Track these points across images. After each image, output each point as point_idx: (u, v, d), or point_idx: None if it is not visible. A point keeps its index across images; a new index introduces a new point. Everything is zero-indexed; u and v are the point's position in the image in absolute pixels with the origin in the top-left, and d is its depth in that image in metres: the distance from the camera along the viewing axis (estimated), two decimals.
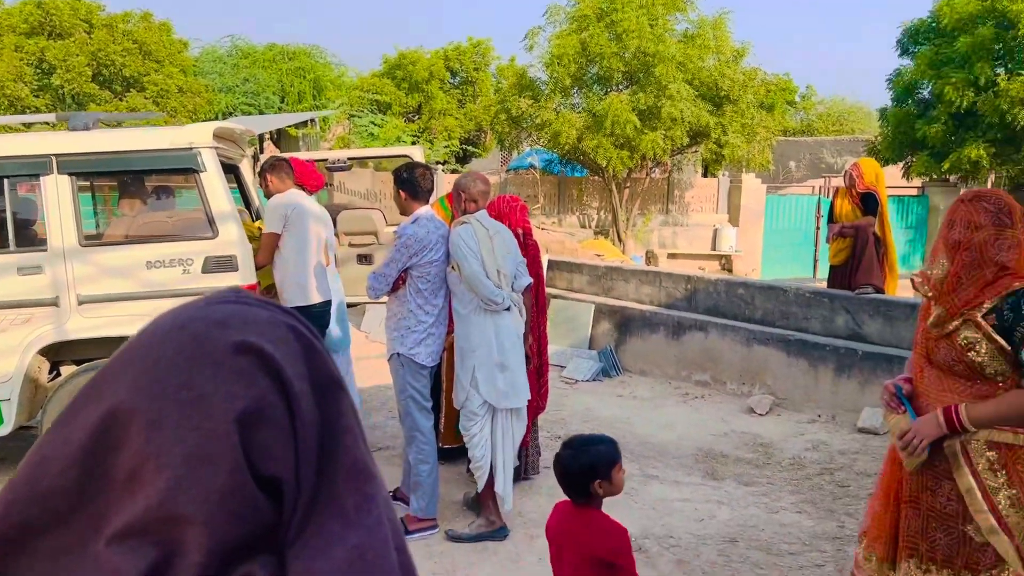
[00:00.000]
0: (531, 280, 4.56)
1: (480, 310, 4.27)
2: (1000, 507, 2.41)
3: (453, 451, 5.29)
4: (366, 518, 0.66)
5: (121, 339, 4.84)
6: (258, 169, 5.33)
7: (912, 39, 16.73)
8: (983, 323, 2.42)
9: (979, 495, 2.42)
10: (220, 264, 4.78)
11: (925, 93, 16.31)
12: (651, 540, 4.30)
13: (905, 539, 2.55)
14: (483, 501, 4.37)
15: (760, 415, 6.65)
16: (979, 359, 2.43)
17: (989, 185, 17.07)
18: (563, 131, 14.32)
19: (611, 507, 4.69)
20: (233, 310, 0.68)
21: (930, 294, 2.56)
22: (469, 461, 4.97)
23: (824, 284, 7.93)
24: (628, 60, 14.33)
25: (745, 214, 17.92)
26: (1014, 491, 2.41)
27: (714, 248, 17.48)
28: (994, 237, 2.44)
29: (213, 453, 0.61)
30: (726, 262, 17.05)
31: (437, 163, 18.79)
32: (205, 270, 4.77)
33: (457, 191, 4.43)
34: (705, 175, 19.30)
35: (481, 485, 4.34)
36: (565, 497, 2.74)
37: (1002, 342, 2.40)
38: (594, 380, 7.80)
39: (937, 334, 2.52)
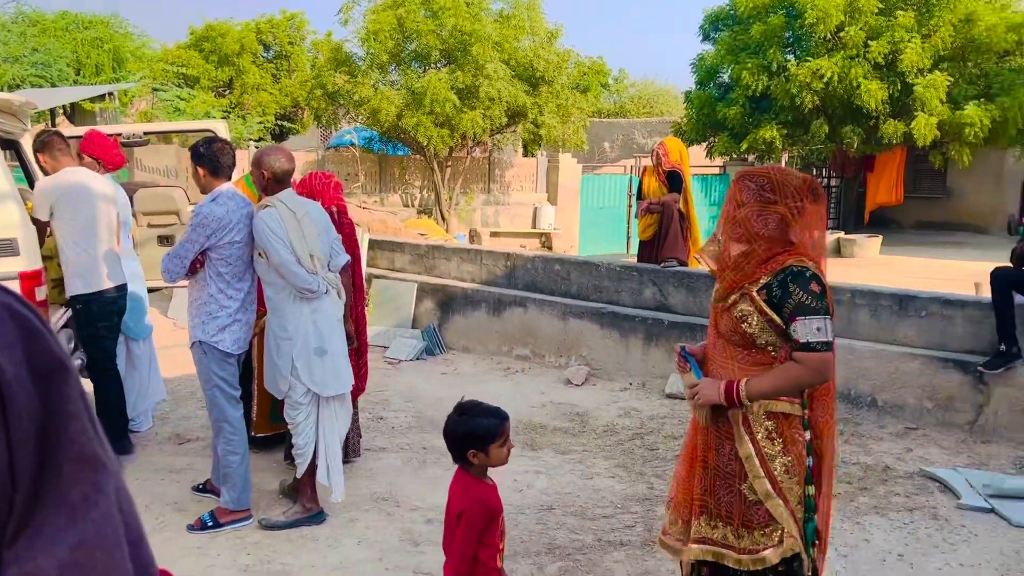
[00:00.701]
0: (348, 258, 4.42)
1: (294, 297, 4.06)
2: (776, 473, 2.58)
3: (267, 439, 5.12)
4: (93, 511, 0.61)
5: None
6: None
7: (713, 25, 17.74)
8: (756, 297, 2.56)
9: (757, 461, 2.58)
10: None
11: (725, 77, 17.35)
12: None
13: (697, 496, 2.70)
14: (301, 487, 4.26)
15: (577, 386, 6.88)
16: (751, 331, 2.58)
17: (783, 163, 18.45)
18: (382, 108, 14.13)
19: (435, 482, 4.72)
20: None
21: (711, 269, 2.72)
22: (286, 449, 4.85)
23: (635, 259, 8.30)
24: (445, 38, 14.31)
25: (562, 193, 18.43)
26: (788, 458, 2.58)
27: (534, 226, 17.87)
28: (756, 213, 2.57)
29: None
30: (546, 239, 17.48)
31: (251, 140, 18.03)
32: None
33: (257, 168, 4.07)
34: (525, 155, 19.66)
35: (301, 471, 4.22)
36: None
37: (772, 315, 2.55)
38: (417, 359, 7.78)
39: (720, 307, 2.67)
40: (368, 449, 5.28)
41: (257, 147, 16.93)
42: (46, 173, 4.72)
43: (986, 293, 5.45)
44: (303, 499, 4.25)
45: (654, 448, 5.39)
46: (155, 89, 17.61)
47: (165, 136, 7.43)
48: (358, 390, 5.03)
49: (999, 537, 4.10)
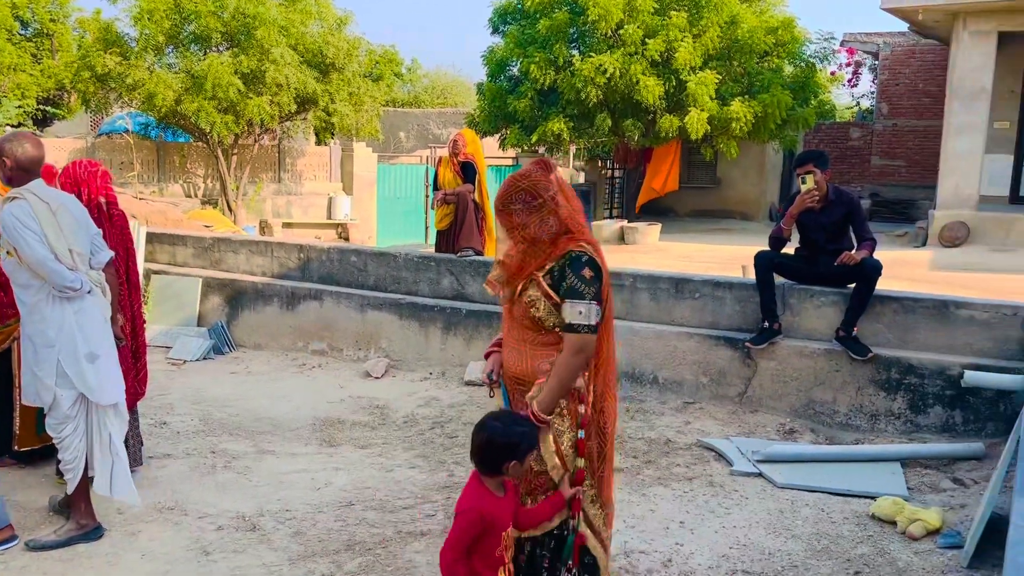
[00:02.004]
0: (112, 253, 4.08)
1: (52, 298, 3.68)
2: (563, 447, 2.79)
3: (34, 453, 4.67)
4: None
5: None
6: None
7: (502, 19, 18.06)
8: (542, 282, 2.73)
9: (551, 438, 2.76)
10: None
11: (515, 70, 17.72)
12: (267, 517, 4.19)
13: None
14: (73, 504, 3.91)
15: (376, 378, 6.80)
16: (539, 314, 2.76)
17: (571, 155, 19.22)
18: (159, 92, 13.22)
19: (225, 487, 4.49)
20: None
21: (492, 292, 2.92)
22: (58, 462, 4.45)
23: (433, 249, 8.32)
24: (227, 20, 13.60)
25: (358, 183, 18.14)
26: (574, 433, 2.78)
27: (330, 217, 17.47)
28: (537, 222, 2.73)
29: None
30: (342, 230, 17.14)
31: (8, 125, 16.29)
32: None
33: (4, 159, 3.67)
34: (319, 143, 19.14)
35: (72, 487, 3.87)
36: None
37: (556, 298, 2.72)
38: (205, 359, 7.39)
39: (512, 299, 2.83)
40: (151, 457, 4.95)
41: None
42: None
43: (752, 275, 5.93)
44: (76, 516, 3.90)
45: (454, 436, 5.44)
46: None
47: None
48: (137, 394, 4.69)
49: (767, 498, 4.50)
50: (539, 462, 2.75)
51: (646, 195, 19.37)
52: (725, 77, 16.07)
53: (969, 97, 14.46)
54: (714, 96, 15.62)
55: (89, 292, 3.78)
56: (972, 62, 14.41)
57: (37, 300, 3.70)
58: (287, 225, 16.51)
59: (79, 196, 4.36)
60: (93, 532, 3.91)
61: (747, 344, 5.77)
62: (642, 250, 15.20)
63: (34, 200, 3.64)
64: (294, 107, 14.59)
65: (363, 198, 18.13)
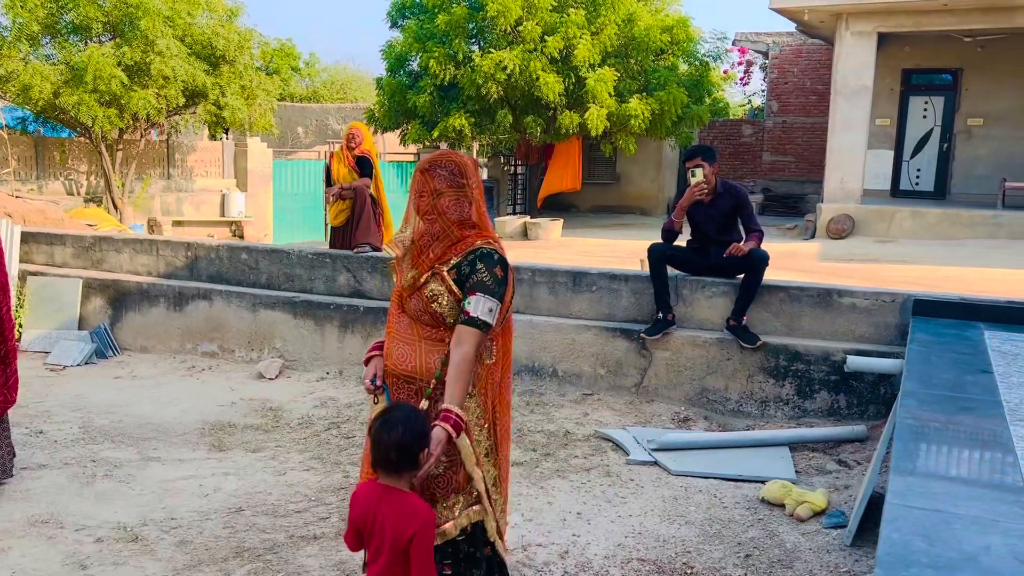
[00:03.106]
0: None
1: None
2: (480, 456, 2.75)
3: None
4: None
5: None
6: None
7: (400, 13, 17.86)
8: (447, 277, 2.65)
9: (471, 452, 2.69)
10: None
11: (414, 65, 17.55)
12: (151, 526, 4.00)
13: None
14: None
15: (270, 379, 6.60)
16: (441, 310, 2.67)
17: (474, 152, 19.18)
18: (35, 84, 12.50)
19: (106, 497, 4.27)
20: None
21: (397, 255, 2.75)
22: None
23: (328, 246, 8.14)
24: (108, 10, 12.98)
25: (253, 179, 17.63)
26: (490, 442, 2.76)
27: (223, 214, 16.91)
28: (454, 200, 2.68)
29: None
30: (237, 228, 16.63)
31: None
32: None
33: None
34: (212, 138, 18.51)
35: None
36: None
37: (460, 294, 2.65)
38: (87, 364, 7.02)
39: (409, 290, 2.73)
40: (25, 468, 4.66)
41: None
42: None
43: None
44: None
45: (351, 436, 5.32)
46: None
47: None
48: (7, 402, 4.41)
49: (661, 486, 4.56)
50: (437, 465, 2.63)
51: (547, 190, 19.52)
52: (623, 74, 16.33)
53: (852, 95, 15.10)
54: (612, 93, 15.84)
55: None
56: (854, 61, 15.06)
57: None
58: (178, 223, 15.91)
59: None
60: None
61: (642, 335, 5.85)
62: (545, 245, 15.30)
63: None
64: (182, 100, 14.04)
65: (258, 194, 17.63)
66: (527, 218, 17.63)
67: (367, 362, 2.90)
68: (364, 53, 62.40)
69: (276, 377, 6.64)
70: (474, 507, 2.72)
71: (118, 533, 3.92)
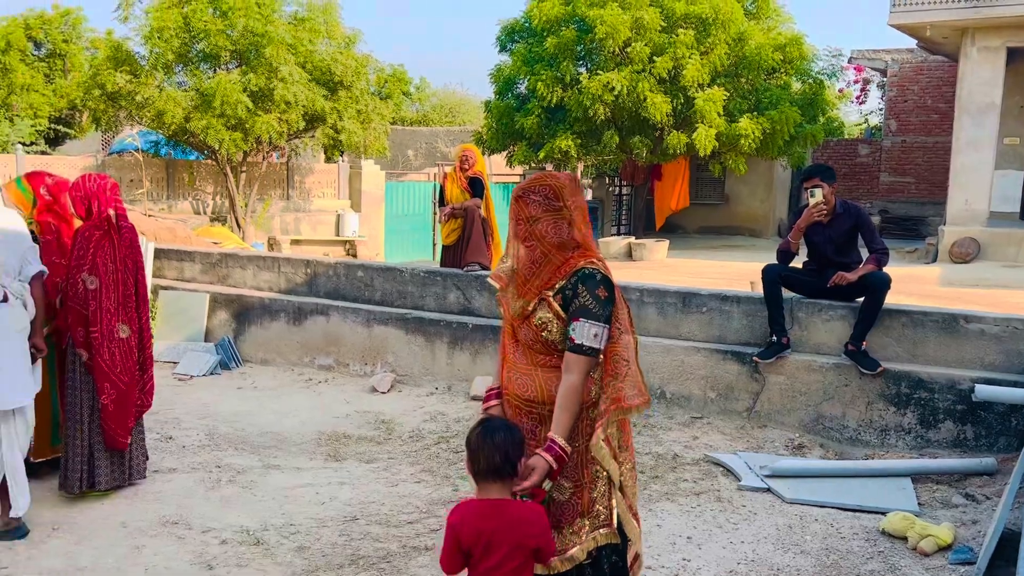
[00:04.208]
0: (40, 268, 4.18)
1: None
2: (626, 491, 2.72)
3: (42, 465, 4.70)
4: None
5: None
6: None
7: (509, 37, 18.15)
8: (553, 303, 2.60)
9: (611, 460, 2.63)
10: None
11: (522, 88, 17.79)
12: (271, 531, 4.17)
13: None
14: None
15: (382, 393, 6.78)
16: (552, 337, 2.62)
17: (579, 172, 19.24)
18: (168, 110, 13.30)
19: (230, 502, 4.48)
20: None
21: (499, 287, 2.76)
22: (62, 475, 4.47)
23: (439, 264, 8.32)
24: (236, 39, 13.70)
25: (366, 200, 18.18)
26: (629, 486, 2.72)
27: (338, 234, 17.49)
28: (552, 223, 2.62)
29: None
30: (351, 247, 17.16)
31: (20, 143, 16.44)
32: None
33: None
34: (328, 161, 19.21)
35: None
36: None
37: (567, 318, 2.59)
38: (212, 374, 7.38)
39: (520, 320, 2.69)
40: (156, 471, 4.93)
41: (25, 151, 15.47)
42: None
43: (760, 291, 5.90)
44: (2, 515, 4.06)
45: (459, 451, 5.40)
46: None
47: None
48: (143, 406, 4.70)
49: (775, 514, 4.45)
50: (558, 490, 2.63)
51: (662, 214, 19.41)
52: (733, 93, 16.09)
53: (978, 113, 14.43)
54: (722, 112, 15.63)
55: (3, 301, 3.91)
56: (981, 77, 14.40)
57: None
58: (295, 242, 16.54)
59: (89, 209, 4.41)
60: (16, 531, 4.02)
61: (755, 358, 5.73)
62: (650, 267, 15.17)
63: None
64: (302, 124, 14.66)
65: (371, 215, 18.17)
66: (632, 239, 17.54)
67: (485, 411, 2.86)
68: (473, 78, 63.59)
69: (388, 391, 6.82)
70: (601, 530, 2.64)
71: (241, 536, 4.10)
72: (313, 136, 15.74)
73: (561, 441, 2.53)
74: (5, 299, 3.94)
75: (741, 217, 20.93)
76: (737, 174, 17.35)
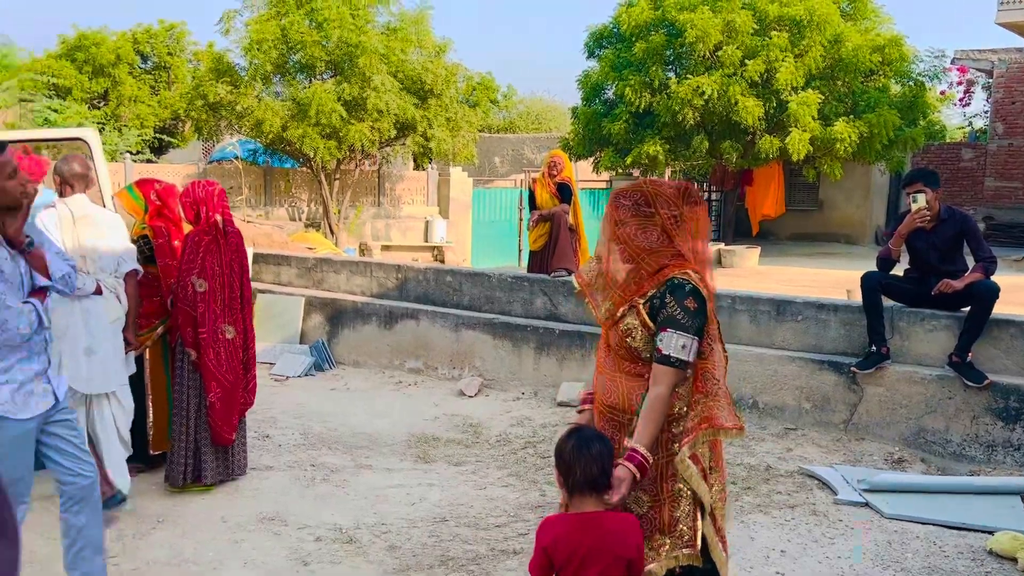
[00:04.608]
0: (134, 266, 4.43)
1: (65, 296, 4.13)
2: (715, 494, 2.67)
3: (158, 458, 4.95)
4: None
5: None
6: None
7: (597, 43, 18.13)
8: (642, 311, 2.58)
9: (699, 479, 2.58)
10: None
11: (609, 93, 17.73)
12: (363, 529, 4.26)
13: None
14: None
15: (470, 397, 6.84)
16: (636, 344, 2.59)
17: (667, 177, 19.05)
18: (266, 119, 13.77)
19: (324, 500, 4.59)
20: None
21: (579, 286, 2.80)
22: (167, 468, 4.68)
23: (526, 270, 8.36)
24: (331, 50, 14.10)
25: (454, 206, 18.42)
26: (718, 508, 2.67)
27: (427, 240, 17.76)
28: (638, 228, 2.60)
29: None
30: (438, 253, 17.40)
31: (128, 153, 17.27)
32: None
33: (55, 175, 4.38)
34: (416, 168, 19.55)
35: None
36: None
37: (653, 328, 2.57)
38: (306, 375, 7.58)
39: (609, 323, 2.69)
40: (254, 468, 5.09)
41: (135, 160, 16.25)
42: None
43: (858, 299, 5.72)
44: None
45: (546, 456, 5.41)
46: (22, 99, 16.68)
47: (35, 145, 7.01)
48: (246, 404, 4.89)
49: (874, 529, 4.30)
50: (636, 503, 2.60)
51: (757, 220, 19.06)
52: (828, 96, 15.68)
53: None
54: (816, 116, 15.24)
55: (98, 294, 4.21)
56: None
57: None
58: (385, 248, 16.88)
59: (197, 214, 4.61)
60: (112, 499, 4.21)
61: (853, 369, 5.56)
62: (741, 274, 14.89)
63: (63, 210, 4.26)
64: (393, 133, 14.96)
65: (458, 221, 18.40)
66: (721, 245, 17.25)
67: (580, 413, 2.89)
68: (559, 84, 63.69)
69: (476, 395, 6.88)
70: (684, 550, 2.58)
71: (335, 534, 4.20)
72: (404, 144, 16.04)
73: (643, 451, 2.50)
74: (99, 291, 4.24)
75: (836, 223, 20.34)
76: (832, 179, 16.89)
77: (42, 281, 3.11)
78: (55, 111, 16.29)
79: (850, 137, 15.12)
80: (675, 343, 2.50)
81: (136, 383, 4.72)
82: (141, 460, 4.86)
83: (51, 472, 3.29)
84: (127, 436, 4.43)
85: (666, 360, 2.52)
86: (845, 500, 4.62)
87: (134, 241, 4.68)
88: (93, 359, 4.19)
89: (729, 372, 5.93)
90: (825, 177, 17.02)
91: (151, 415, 4.97)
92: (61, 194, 4.38)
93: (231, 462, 4.82)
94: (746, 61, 15.30)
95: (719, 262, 16.29)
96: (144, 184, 4.92)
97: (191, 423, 4.60)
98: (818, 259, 16.96)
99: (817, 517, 4.44)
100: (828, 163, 16.03)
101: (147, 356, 4.89)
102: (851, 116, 15.47)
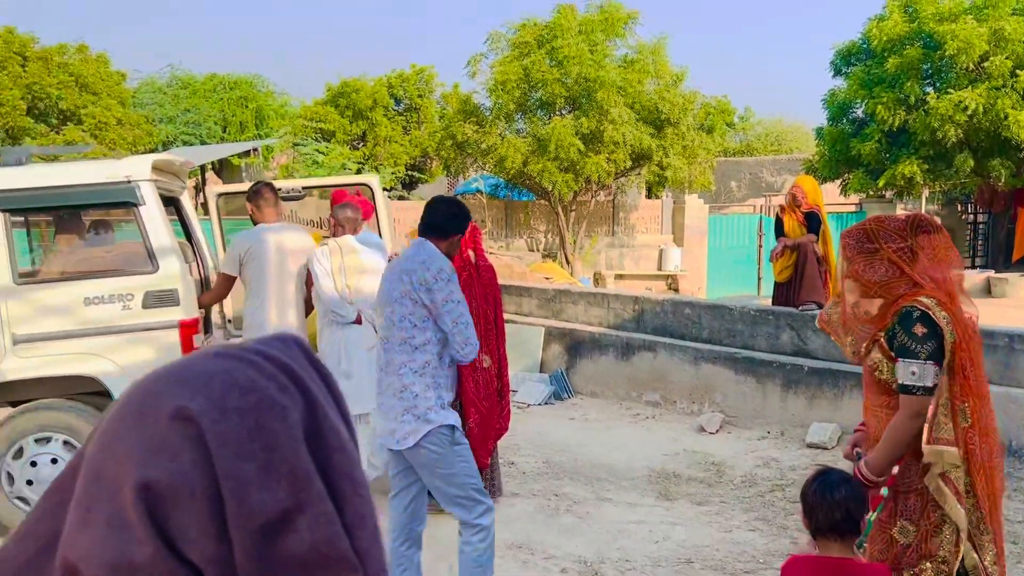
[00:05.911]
0: None
1: (330, 321, 4.88)
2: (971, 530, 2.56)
3: None
4: None
5: (60, 379, 4.71)
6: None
7: (845, 60, 17.24)
8: (883, 343, 2.60)
9: (954, 503, 2.50)
10: (161, 299, 4.68)
11: (859, 112, 16.77)
12: (608, 564, 4.29)
13: None
14: None
15: (711, 433, 6.70)
16: (884, 377, 2.62)
17: (923, 200, 17.65)
18: (508, 156, 14.39)
19: (568, 531, 4.69)
20: (211, 366, 0.61)
21: (824, 329, 2.86)
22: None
23: (768, 302, 8.06)
24: (570, 85, 14.50)
25: (689, 234, 18.18)
26: (978, 514, 2.56)
27: (660, 268, 17.67)
28: (865, 265, 2.63)
29: (128, 522, 0.57)
30: (672, 281, 17.25)
31: (384, 190, 18.70)
32: (146, 305, 4.67)
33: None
34: (649, 196, 19.55)
35: None
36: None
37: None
38: (546, 404, 7.79)
39: (857, 360, 2.74)
40: (500, 495, 5.30)
41: (390, 197, 17.59)
42: (254, 221, 5.24)
43: None
44: None
45: (795, 501, 5.13)
46: (295, 144, 18.62)
47: (322, 190, 7.91)
48: (501, 430, 5.09)
49: None
50: (901, 533, 2.54)
51: (1022, 243, 17.18)
52: None
53: None
54: None
55: (357, 323, 4.74)
56: None
57: (323, 323, 4.92)
58: (619, 276, 16.99)
59: None
60: None
61: None
62: (1014, 304, 13.43)
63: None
64: (629, 163, 15.08)
65: (693, 249, 18.13)
66: (991, 272, 15.66)
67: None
68: (801, 104, 61.06)
69: (716, 431, 6.72)
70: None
71: (579, 567, 4.27)
72: (639, 174, 16.11)
73: (865, 471, 2.54)
74: (359, 321, 4.84)
75: None
76: None
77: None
78: (322, 153, 18.04)
79: None
80: (906, 371, 2.51)
81: None
82: None
83: None
84: (375, 461, 4.79)
85: (905, 389, 2.52)
86: None
87: None
88: (349, 382, 4.70)
89: (1007, 418, 5.41)
90: None
91: None
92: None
93: (492, 485, 5.05)
94: (1017, 72, 13.88)
95: (988, 291, 14.79)
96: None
97: None
98: None
99: None
100: None
101: None
102: None
